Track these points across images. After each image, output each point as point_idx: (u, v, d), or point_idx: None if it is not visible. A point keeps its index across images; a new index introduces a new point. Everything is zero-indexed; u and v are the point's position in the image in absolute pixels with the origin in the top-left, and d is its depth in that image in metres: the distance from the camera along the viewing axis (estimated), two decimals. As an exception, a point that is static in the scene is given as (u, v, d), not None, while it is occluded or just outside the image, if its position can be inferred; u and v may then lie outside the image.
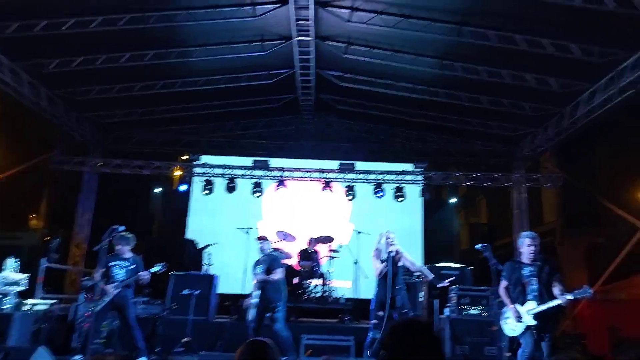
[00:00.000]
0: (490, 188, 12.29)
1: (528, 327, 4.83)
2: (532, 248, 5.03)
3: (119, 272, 6.19)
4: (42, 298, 7.48)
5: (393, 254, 5.87)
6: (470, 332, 6.92)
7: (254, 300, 6.39)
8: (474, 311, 6.69)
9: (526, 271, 5.02)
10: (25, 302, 6.82)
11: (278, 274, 6.51)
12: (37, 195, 13.35)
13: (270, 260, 6.65)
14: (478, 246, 5.63)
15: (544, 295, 4.90)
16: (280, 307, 6.40)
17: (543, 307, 4.84)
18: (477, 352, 6.83)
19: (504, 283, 5.19)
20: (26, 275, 6.93)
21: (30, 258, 12.66)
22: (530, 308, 4.89)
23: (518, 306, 4.96)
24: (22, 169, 10.84)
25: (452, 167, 12.34)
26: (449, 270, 7.71)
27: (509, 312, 5.04)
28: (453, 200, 12.91)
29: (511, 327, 4.99)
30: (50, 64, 8.60)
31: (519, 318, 4.90)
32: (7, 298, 6.51)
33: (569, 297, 4.74)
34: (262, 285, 6.42)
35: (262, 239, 6.87)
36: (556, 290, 4.86)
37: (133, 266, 6.30)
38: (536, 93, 8.87)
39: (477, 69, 8.62)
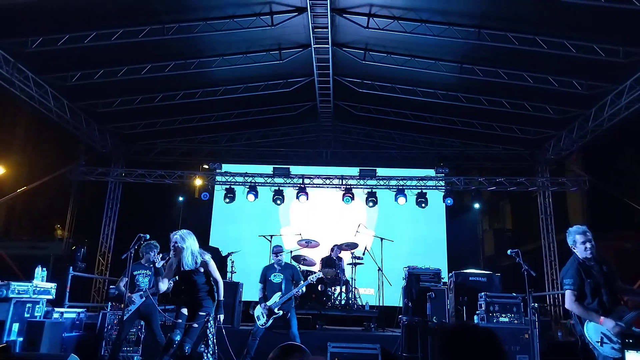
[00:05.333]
0: (514, 193, 12.08)
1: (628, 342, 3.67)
2: (589, 244, 4.08)
3: (144, 280, 6.23)
4: (69, 307, 7.58)
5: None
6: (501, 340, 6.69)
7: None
8: (503, 319, 6.49)
9: (599, 272, 4.07)
10: (55, 310, 6.91)
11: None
12: (63, 206, 13.62)
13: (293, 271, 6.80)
14: (510, 251, 5.51)
15: (618, 299, 4.04)
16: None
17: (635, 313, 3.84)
18: (509, 360, 6.62)
19: (572, 295, 3.99)
20: (53, 284, 7.03)
21: (56, 267, 12.92)
22: (621, 318, 3.84)
23: (611, 319, 3.78)
24: (48, 180, 11.08)
25: (473, 171, 12.18)
26: (477, 276, 7.52)
27: (602, 329, 3.81)
28: (476, 205, 12.72)
29: (615, 346, 3.73)
30: (73, 77, 8.82)
31: (621, 335, 3.71)
32: (38, 306, 6.61)
33: None
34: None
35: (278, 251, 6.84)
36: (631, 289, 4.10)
37: (157, 275, 6.35)
38: (559, 95, 8.73)
39: (498, 72, 8.52)
